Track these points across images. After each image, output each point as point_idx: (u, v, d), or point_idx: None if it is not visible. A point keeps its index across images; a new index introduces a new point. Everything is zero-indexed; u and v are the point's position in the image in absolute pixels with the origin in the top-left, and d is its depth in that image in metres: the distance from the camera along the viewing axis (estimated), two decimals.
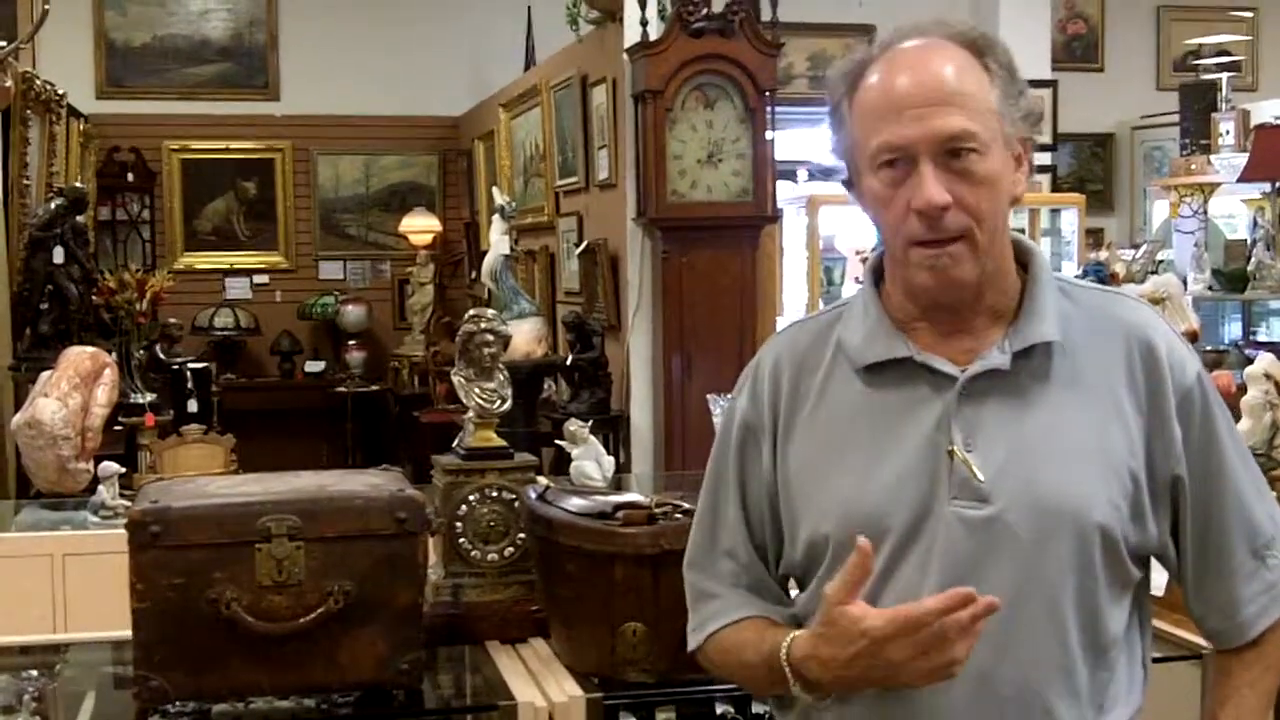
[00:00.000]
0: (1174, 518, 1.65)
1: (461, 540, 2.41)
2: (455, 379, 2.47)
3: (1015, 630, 1.56)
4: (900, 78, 1.58)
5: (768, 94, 5.76)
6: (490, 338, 2.44)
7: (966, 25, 1.63)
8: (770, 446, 1.71)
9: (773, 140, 5.82)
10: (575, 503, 2.25)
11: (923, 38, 1.61)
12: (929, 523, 1.59)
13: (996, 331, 1.63)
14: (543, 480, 2.44)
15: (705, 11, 5.68)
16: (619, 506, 2.20)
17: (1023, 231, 7.21)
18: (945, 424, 1.60)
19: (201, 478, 2.33)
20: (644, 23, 5.64)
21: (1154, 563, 1.71)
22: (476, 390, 2.45)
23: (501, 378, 2.47)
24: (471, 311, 2.50)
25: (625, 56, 5.85)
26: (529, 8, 8.83)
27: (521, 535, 2.39)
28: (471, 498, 2.41)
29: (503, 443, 2.45)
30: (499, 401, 2.46)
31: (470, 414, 2.49)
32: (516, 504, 2.40)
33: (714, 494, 1.77)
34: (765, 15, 5.81)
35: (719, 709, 2.33)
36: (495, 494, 2.41)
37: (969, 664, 1.52)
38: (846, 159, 1.66)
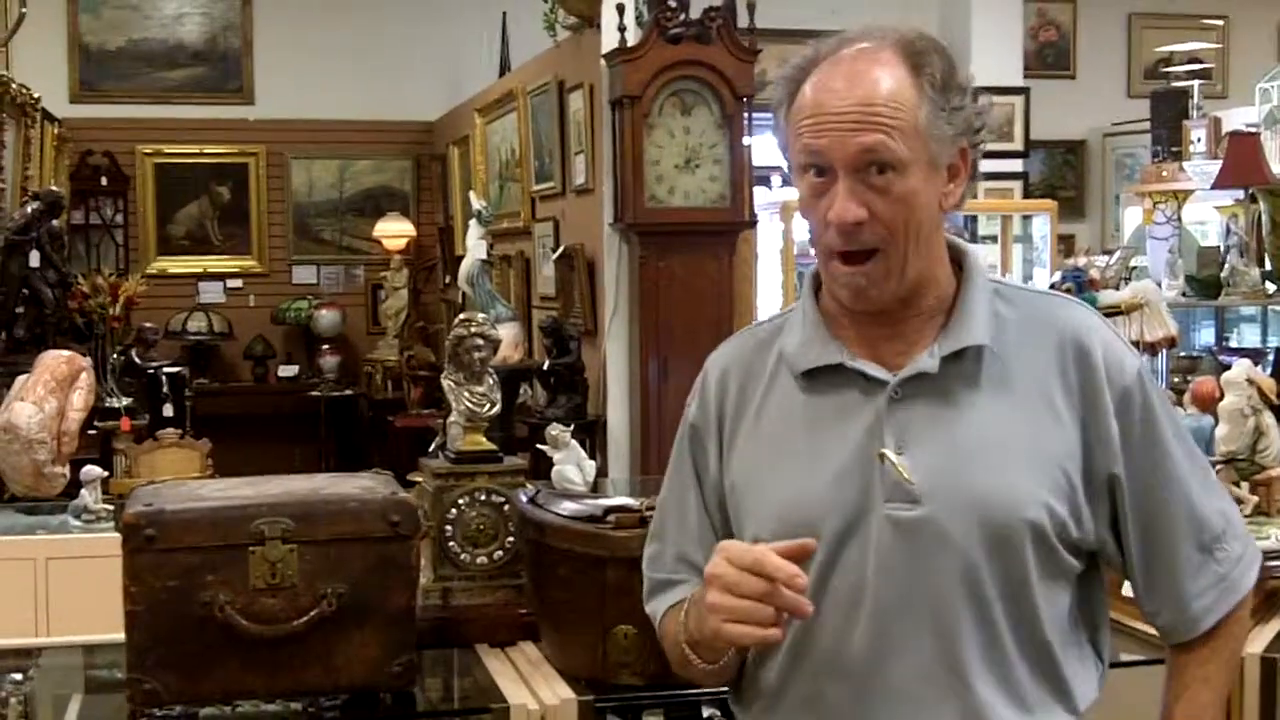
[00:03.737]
0: (1114, 515, 1.67)
1: (451, 543, 2.41)
2: (445, 383, 2.48)
3: (947, 626, 1.59)
4: (831, 86, 1.60)
5: (744, 100, 5.78)
6: (480, 342, 2.45)
7: (915, 32, 1.64)
8: (716, 451, 1.76)
9: (749, 146, 5.84)
10: (566, 506, 2.26)
11: (866, 43, 1.62)
12: (863, 526, 1.62)
13: (929, 333, 1.66)
14: (531, 485, 2.45)
15: (683, 18, 5.70)
16: (610, 510, 2.22)
17: (995, 239, 7.26)
18: (878, 428, 1.63)
19: (193, 481, 2.33)
20: (621, 29, 5.65)
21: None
22: (466, 394, 2.46)
23: (491, 381, 2.48)
24: (462, 315, 2.51)
25: (603, 62, 5.86)
26: (504, 13, 8.83)
27: (511, 538, 2.40)
28: (461, 501, 2.41)
29: (493, 446, 2.46)
30: (489, 405, 2.47)
31: (458, 418, 2.50)
32: (506, 507, 2.41)
33: (672, 493, 1.81)
34: (742, 22, 5.83)
35: (706, 712, 2.34)
36: (485, 497, 2.42)
37: (902, 655, 1.59)
38: (787, 158, 1.71)
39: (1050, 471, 1.61)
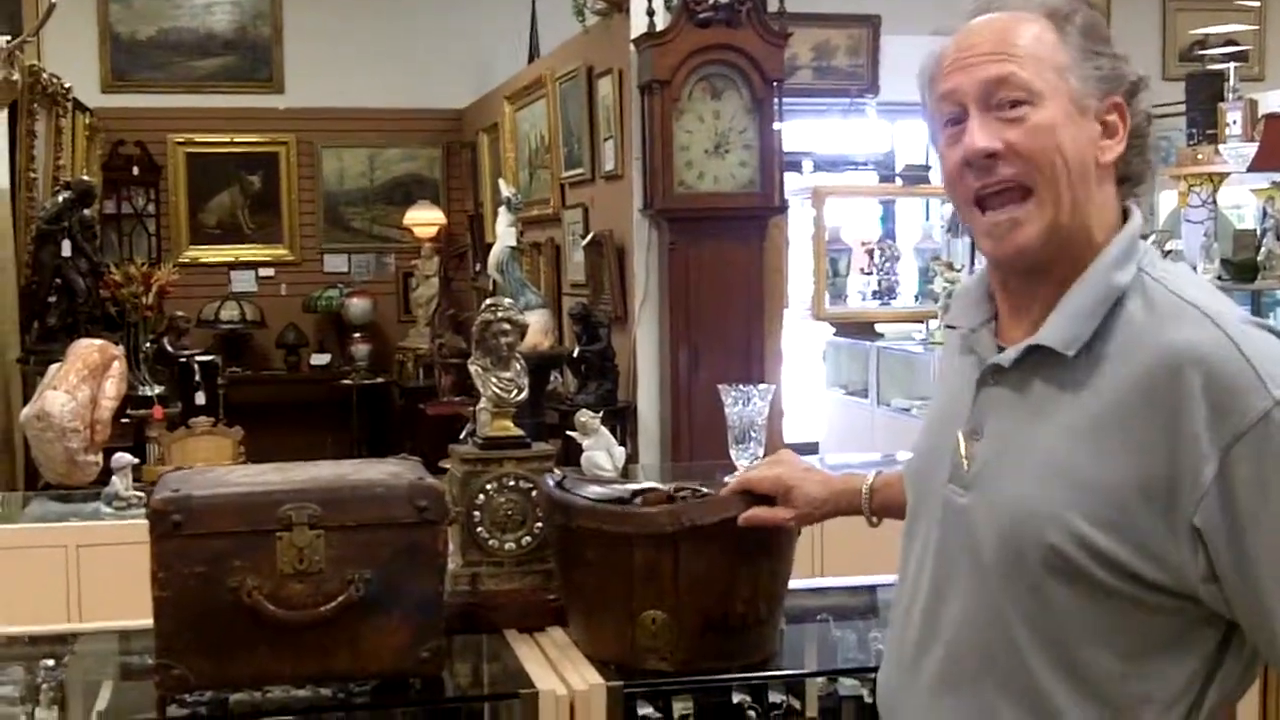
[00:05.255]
0: (1211, 569, 1.45)
1: (479, 529, 2.40)
2: (472, 368, 2.46)
3: (967, 632, 1.56)
4: (966, 39, 1.57)
5: (775, 84, 5.75)
6: (507, 327, 2.43)
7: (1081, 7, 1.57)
8: None
9: (780, 130, 5.81)
10: (593, 490, 2.25)
11: (999, 11, 1.57)
12: (933, 497, 1.63)
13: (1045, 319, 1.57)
14: (558, 470, 2.44)
15: (712, 2, 5.67)
16: (637, 493, 2.21)
17: None
18: (968, 405, 1.61)
19: (220, 467, 2.33)
20: (650, 13, 5.63)
21: None
22: (493, 379, 2.45)
23: (518, 367, 2.46)
24: (488, 301, 2.49)
25: (631, 47, 5.84)
26: (532, 0, 8.83)
27: (539, 524, 2.39)
28: (489, 487, 2.40)
29: (520, 432, 2.45)
30: (516, 391, 2.45)
31: (486, 403, 2.49)
32: (534, 493, 2.39)
33: None
34: (772, 5, 5.80)
35: (736, 698, 2.33)
36: (513, 483, 2.41)
37: (935, 644, 1.59)
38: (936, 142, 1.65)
39: (1096, 499, 1.46)
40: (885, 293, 8.19)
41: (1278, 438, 1.40)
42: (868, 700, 2.26)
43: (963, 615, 1.56)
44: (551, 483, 2.32)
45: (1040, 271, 1.56)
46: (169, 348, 6.58)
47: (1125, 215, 1.59)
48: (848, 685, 2.39)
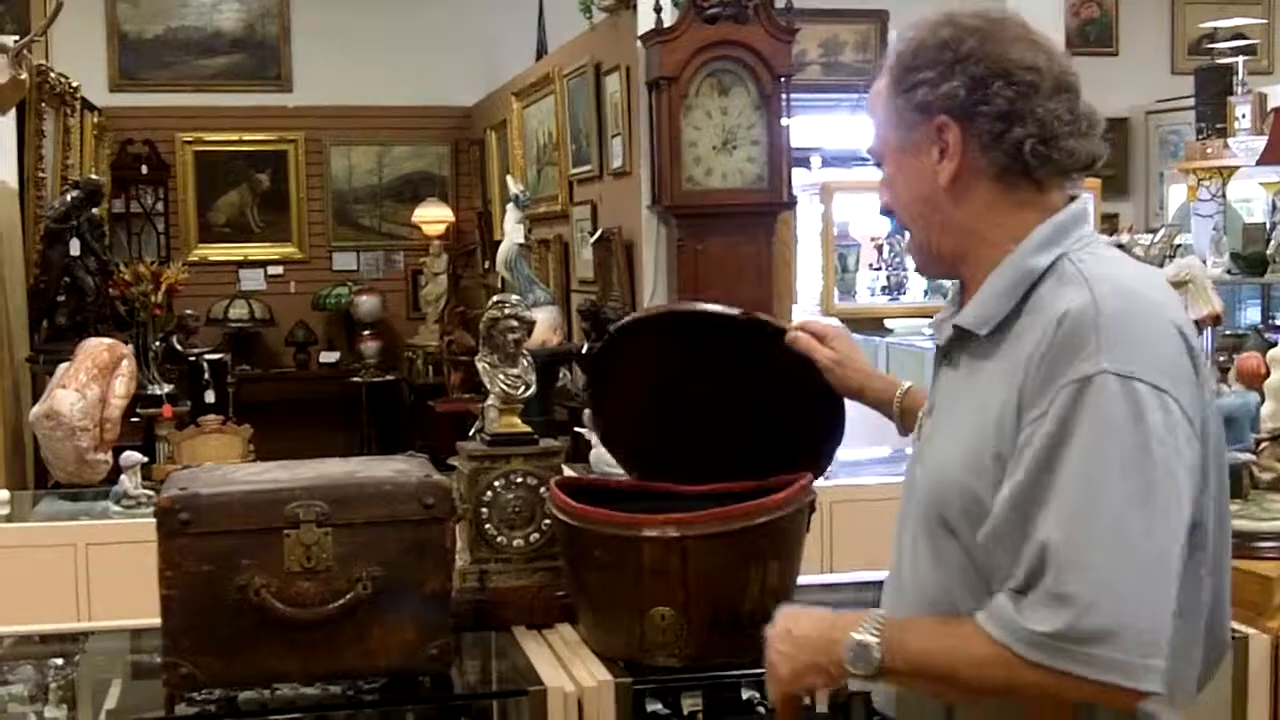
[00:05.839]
0: None
1: (487, 526, 2.40)
2: (479, 365, 2.46)
3: (923, 593, 1.67)
4: None
5: (783, 80, 5.73)
6: (514, 323, 2.43)
7: (914, 32, 1.69)
8: None
9: (788, 126, 5.79)
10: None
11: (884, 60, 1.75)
12: (910, 468, 1.79)
13: None
14: (565, 469, 2.44)
15: None
16: None
17: None
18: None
19: (228, 465, 2.33)
20: (658, 9, 5.61)
21: None
22: (501, 376, 2.44)
23: (525, 363, 2.46)
24: (495, 297, 2.50)
25: (639, 44, 5.83)
26: None
27: (547, 521, 2.39)
28: (497, 484, 2.40)
29: (528, 428, 2.45)
30: (523, 387, 2.45)
31: (493, 400, 2.48)
32: (542, 490, 2.39)
33: None
34: (779, 1, 5.79)
35: (745, 694, 2.33)
36: (521, 480, 2.41)
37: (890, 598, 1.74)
38: None
39: (995, 465, 1.54)
40: (894, 288, 8.17)
41: (1087, 402, 1.47)
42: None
43: (920, 578, 1.67)
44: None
45: (956, 275, 1.74)
46: (178, 346, 6.58)
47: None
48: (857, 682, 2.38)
